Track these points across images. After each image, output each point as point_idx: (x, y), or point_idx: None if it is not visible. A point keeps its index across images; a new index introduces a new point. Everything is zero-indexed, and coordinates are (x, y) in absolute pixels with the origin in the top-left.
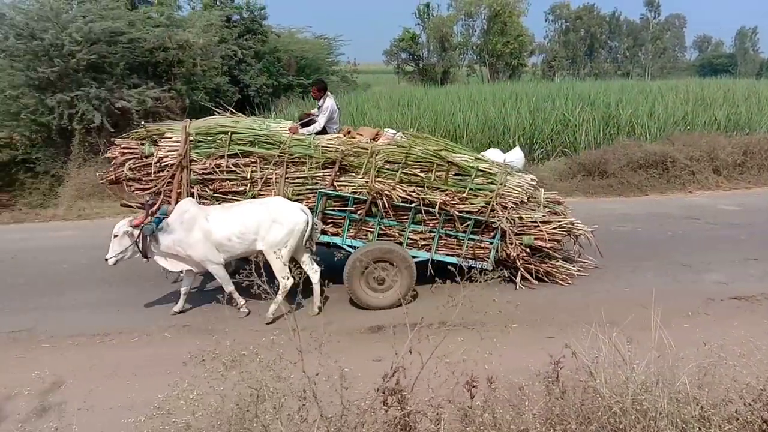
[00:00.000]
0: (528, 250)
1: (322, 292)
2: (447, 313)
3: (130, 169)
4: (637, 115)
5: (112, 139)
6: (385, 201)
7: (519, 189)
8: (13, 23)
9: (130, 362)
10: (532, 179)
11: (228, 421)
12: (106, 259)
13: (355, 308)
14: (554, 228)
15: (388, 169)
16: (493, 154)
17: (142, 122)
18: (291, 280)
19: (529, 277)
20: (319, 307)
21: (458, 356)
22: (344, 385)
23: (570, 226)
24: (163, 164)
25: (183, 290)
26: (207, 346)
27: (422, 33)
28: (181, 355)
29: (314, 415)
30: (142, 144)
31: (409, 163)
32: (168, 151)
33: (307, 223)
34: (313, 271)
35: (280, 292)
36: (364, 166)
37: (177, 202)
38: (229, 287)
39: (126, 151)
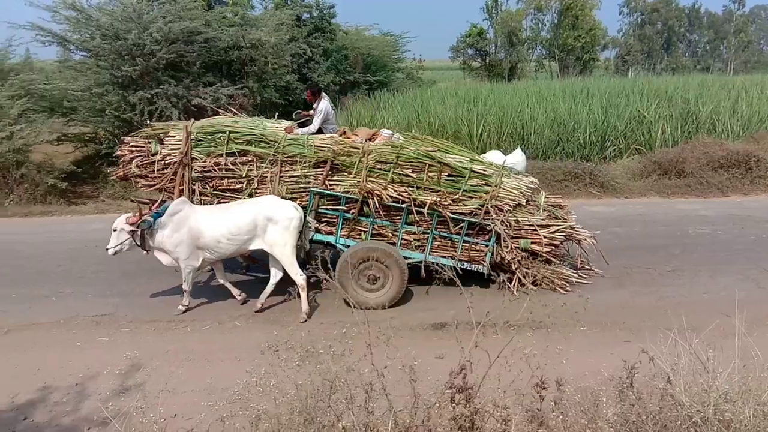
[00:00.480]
0: (525, 254)
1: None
2: (513, 311)
3: (137, 166)
4: (717, 112)
5: (123, 138)
6: (375, 201)
7: (515, 191)
8: (99, 24)
9: (204, 348)
10: (531, 182)
11: (304, 409)
12: (107, 249)
13: (418, 305)
14: (552, 232)
15: (379, 169)
16: (494, 156)
17: (147, 121)
18: (303, 276)
19: (526, 282)
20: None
21: (526, 356)
22: (413, 377)
23: (569, 230)
24: (166, 162)
25: (223, 282)
26: (282, 336)
27: (490, 28)
28: (251, 343)
29: (382, 407)
30: (149, 142)
31: (400, 163)
32: (171, 149)
33: (301, 219)
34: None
35: (300, 290)
36: (356, 166)
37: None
38: (188, 287)
39: (134, 149)
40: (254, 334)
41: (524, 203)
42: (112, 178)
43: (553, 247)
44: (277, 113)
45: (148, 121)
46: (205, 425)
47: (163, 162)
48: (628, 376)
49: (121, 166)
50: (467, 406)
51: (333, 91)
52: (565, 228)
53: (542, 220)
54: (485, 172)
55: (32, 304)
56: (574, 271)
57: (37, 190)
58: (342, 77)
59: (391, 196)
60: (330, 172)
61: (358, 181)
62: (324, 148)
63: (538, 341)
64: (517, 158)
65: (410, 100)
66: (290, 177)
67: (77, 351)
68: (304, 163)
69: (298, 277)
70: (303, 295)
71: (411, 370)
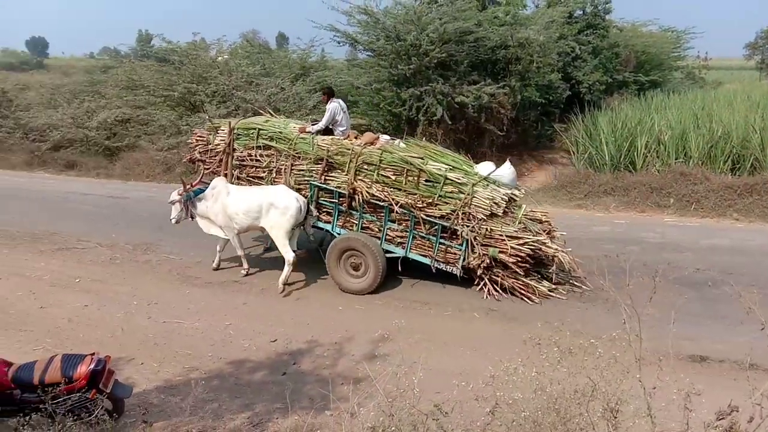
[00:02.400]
0: (494, 262)
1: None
2: None
3: (199, 152)
4: None
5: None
6: (360, 197)
7: (488, 201)
8: (384, 27)
9: (444, 332)
10: (506, 194)
11: (559, 409)
12: (170, 220)
13: (680, 332)
14: (521, 244)
15: (366, 170)
16: (484, 168)
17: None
18: (292, 254)
19: (494, 289)
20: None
21: None
22: (688, 406)
23: (537, 244)
24: (216, 150)
25: (218, 248)
26: (546, 331)
27: None
28: (488, 335)
29: (636, 428)
30: (210, 134)
31: (383, 165)
32: (219, 140)
33: (299, 209)
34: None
35: (286, 264)
36: (347, 165)
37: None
38: (240, 252)
39: (198, 139)
40: (493, 327)
41: (500, 213)
42: (184, 161)
43: (518, 259)
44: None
45: (414, 117)
46: (452, 403)
47: (214, 151)
48: None
49: (189, 152)
50: None
51: (598, 90)
52: (533, 242)
53: (514, 231)
54: (459, 181)
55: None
56: (549, 286)
57: None
58: (609, 76)
59: (371, 194)
60: (326, 169)
61: (349, 179)
62: (323, 147)
63: None
64: (504, 171)
65: (688, 102)
66: (299, 170)
67: (338, 313)
68: (309, 159)
69: (288, 255)
70: (287, 270)
71: (687, 398)
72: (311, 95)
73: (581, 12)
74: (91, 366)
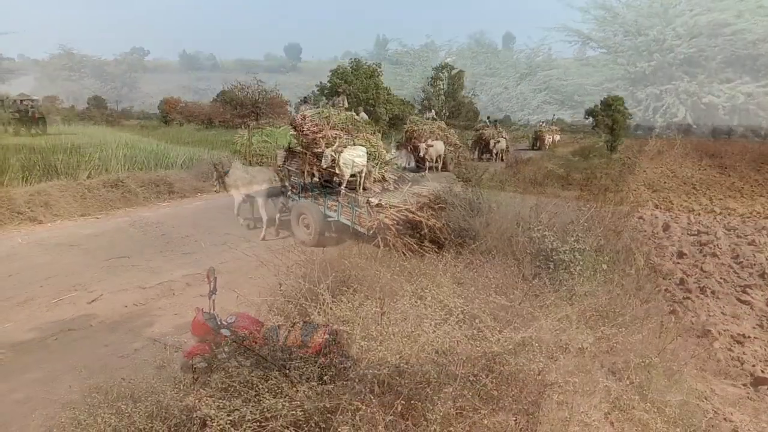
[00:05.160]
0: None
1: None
2: None
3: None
4: None
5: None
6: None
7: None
8: (624, 21)
9: None
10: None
11: None
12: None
13: None
14: (398, 212)
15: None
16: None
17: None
18: (266, 217)
19: (383, 245)
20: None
21: None
22: None
23: (406, 212)
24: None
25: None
26: None
27: None
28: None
29: None
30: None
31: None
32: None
33: (271, 182)
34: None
35: (266, 223)
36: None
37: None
38: (242, 217)
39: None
40: None
41: (391, 189)
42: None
43: (395, 222)
44: None
45: (650, 118)
46: None
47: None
48: None
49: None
50: None
51: None
52: (405, 210)
53: (397, 203)
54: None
55: None
56: (425, 245)
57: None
58: None
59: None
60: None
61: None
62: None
63: None
64: (358, 151)
65: None
66: (280, 156)
67: None
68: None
69: (264, 217)
70: (264, 228)
71: None
72: (536, 95)
73: None
74: (325, 336)
